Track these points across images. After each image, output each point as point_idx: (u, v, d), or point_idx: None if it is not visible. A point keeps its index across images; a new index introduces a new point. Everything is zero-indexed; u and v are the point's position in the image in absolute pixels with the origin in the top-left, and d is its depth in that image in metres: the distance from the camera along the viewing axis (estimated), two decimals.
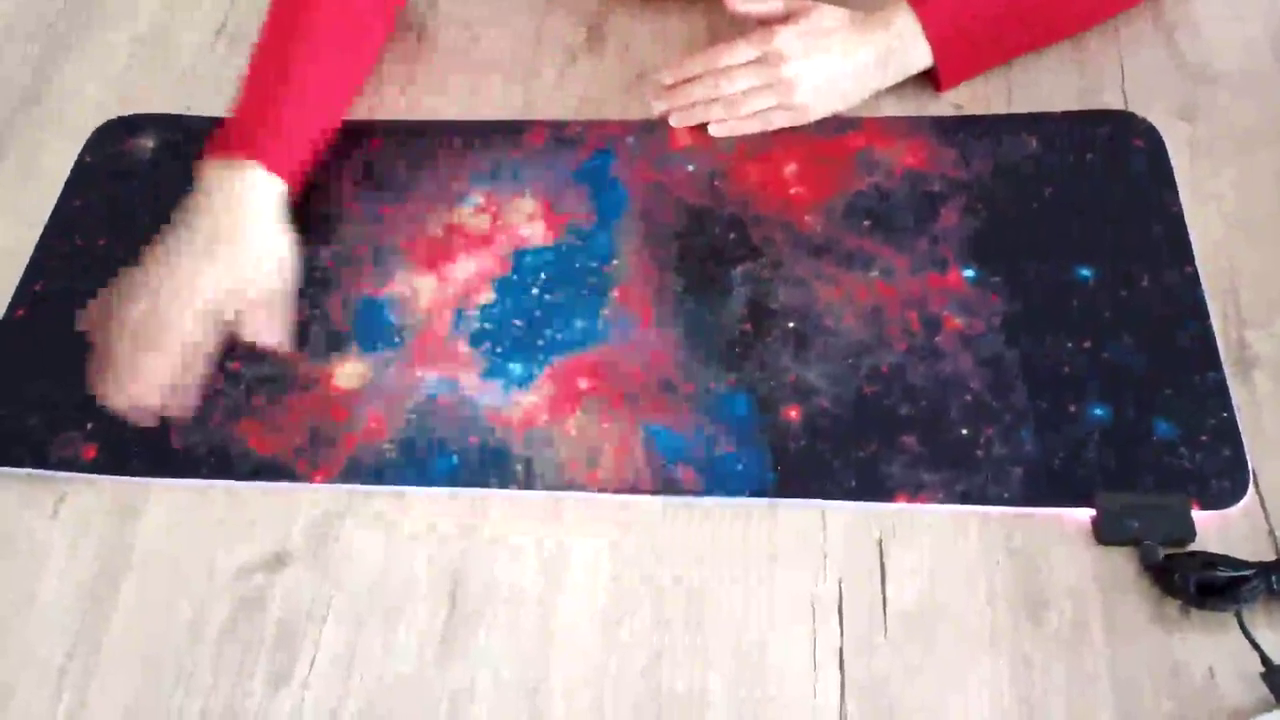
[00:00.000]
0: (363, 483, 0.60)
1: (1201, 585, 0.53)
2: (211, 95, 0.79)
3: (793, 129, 0.72)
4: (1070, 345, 0.62)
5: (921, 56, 0.71)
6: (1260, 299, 0.64)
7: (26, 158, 0.77)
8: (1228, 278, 0.64)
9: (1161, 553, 0.55)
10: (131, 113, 0.78)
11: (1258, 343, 0.62)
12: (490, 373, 0.64)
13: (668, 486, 0.59)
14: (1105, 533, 0.56)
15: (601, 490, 0.59)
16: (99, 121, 0.78)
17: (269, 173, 0.65)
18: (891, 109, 0.73)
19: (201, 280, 0.62)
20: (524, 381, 0.63)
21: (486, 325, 0.66)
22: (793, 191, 0.70)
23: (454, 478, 0.60)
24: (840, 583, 0.56)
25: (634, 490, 0.59)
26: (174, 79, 0.81)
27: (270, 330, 0.64)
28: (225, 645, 0.56)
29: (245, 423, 0.63)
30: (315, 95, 0.69)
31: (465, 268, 0.68)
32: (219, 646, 0.56)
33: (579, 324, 0.65)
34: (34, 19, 0.86)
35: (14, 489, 0.62)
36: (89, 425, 0.63)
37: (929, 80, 0.73)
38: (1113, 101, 0.73)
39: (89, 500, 0.61)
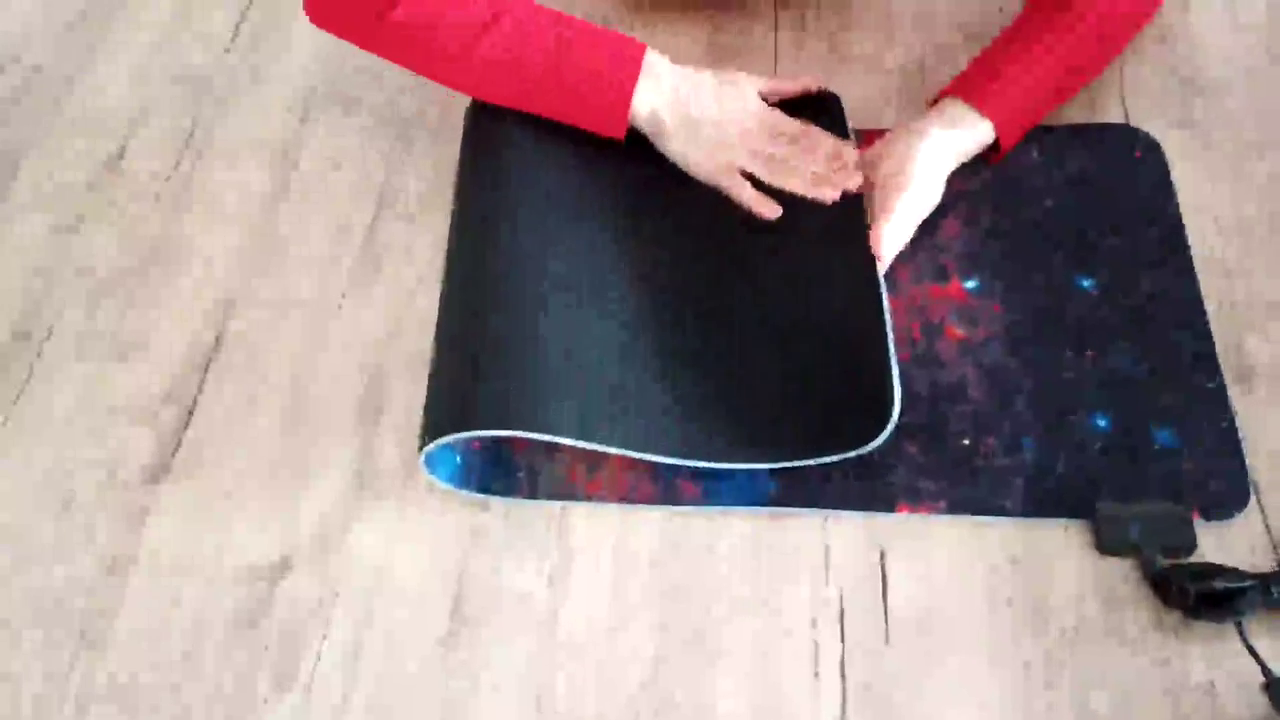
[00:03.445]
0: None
1: (1201, 595, 0.53)
2: (225, 100, 0.80)
3: None
4: (1071, 355, 0.62)
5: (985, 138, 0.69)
6: (1259, 308, 0.64)
7: (46, 161, 0.79)
8: (1227, 287, 0.65)
9: (1162, 563, 0.55)
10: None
11: (1257, 351, 0.62)
12: None
13: (669, 497, 0.59)
14: (1106, 542, 0.56)
15: (603, 500, 0.60)
16: (116, 124, 0.79)
17: None
18: (893, 120, 0.73)
19: None
20: None
21: None
22: None
23: (457, 479, 0.60)
24: (841, 592, 0.56)
25: (635, 500, 0.59)
26: (189, 84, 0.82)
27: None
28: (230, 648, 0.57)
29: None
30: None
31: None
32: (224, 650, 0.57)
33: None
34: (51, 25, 0.87)
35: (26, 488, 0.63)
36: None
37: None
38: (1113, 114, 0.73)
39: (98, 501, 0.62)
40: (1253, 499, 0.57)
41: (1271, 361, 0.62)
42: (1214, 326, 0.63)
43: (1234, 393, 0.60)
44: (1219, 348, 0.62)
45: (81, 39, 0.86)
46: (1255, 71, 0.75)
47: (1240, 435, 0.59)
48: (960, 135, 0.67)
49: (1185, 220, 0.67)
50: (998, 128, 0.67)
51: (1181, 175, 0.69)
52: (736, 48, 0.80)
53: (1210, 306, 0.63)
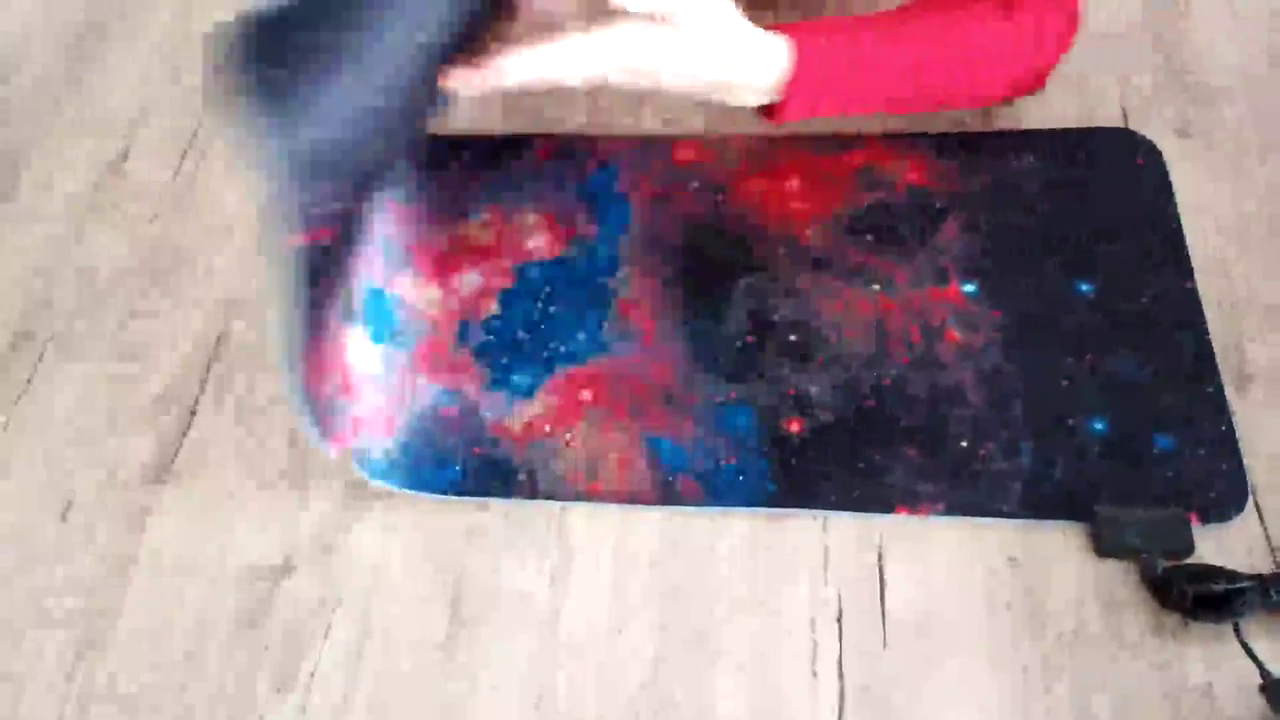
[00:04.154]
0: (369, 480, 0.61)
1: (1199, 597, 0.53)
2: None
3: (793, 145, 0.73)
4: (1070, 359, 0.63)
5: (773, 77, 0.61)
6: (1258, 312, 0.64)
7: (47, 161, 0.79)
8: (1227, 291, 0.65)
9: (1160, 565, 0.55)
10: None
11: (1256, 356, 0.62)
12: (494, 384, 0.64)
13: (669, 497, 0.60)
14: (1104, 545, 0.56)
15: (603, 500, 0.60)
16: (118, 125, 0.80)
17: None
18: (894, 125, 0.74)
19: None
20: (527, 393, 0.64)
21: (490, 337, 0.66)
22: (794, 207, 0.71)
23: (457, 487, 0.60)
24: (840, 593, 0.56)
25: (635, 501, 0.60)
26: (191, 85, 0.82)
27: None
28: (231, 649, 0.57)
29: None
30: None
31: (471, 280, 0.69)
32: (225, 650, 0.57)
33: (582, 336, 0.66)
34: (51, 26, 0.87)
35: (27, 489, 0.63)
36: None
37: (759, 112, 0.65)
38: (1113, 119, 0.73)
39: (99, 502, 0.62)
40: (1250, 502, 0.57)
41: (1269, 364, 0.62)
42: (1212, 329, 0.63)
43: (1232, 396, 0.60)
44: (1217, 352, 0.62)
45: (83, 40, 0.86)
46: (1255, 74, 0.75)
47: (1238, 439, 0.59)
48: (750, 30, 0.59)
49: (1184, 222, 0.67)
50: (797, 53, 0.59)
51: (1181, 177, 0.70)
52: None
53: (1209, 310, 0.64)
